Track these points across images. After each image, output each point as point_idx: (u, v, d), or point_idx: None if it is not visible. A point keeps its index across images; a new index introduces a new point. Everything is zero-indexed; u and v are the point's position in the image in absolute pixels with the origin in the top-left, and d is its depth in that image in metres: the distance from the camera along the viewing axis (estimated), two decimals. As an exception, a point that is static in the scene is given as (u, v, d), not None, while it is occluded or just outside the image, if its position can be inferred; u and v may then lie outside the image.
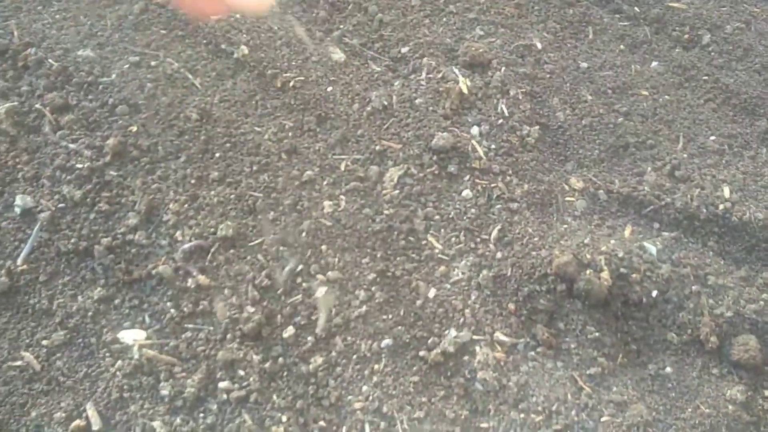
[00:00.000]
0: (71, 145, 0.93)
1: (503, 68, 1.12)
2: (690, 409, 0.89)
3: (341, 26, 1.16)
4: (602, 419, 0.86)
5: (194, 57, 1.06)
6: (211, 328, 0.83)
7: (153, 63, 1.03)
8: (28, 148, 0.92)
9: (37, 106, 0.95)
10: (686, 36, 1.24)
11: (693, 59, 1.22)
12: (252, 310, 0.85)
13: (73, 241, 0.87)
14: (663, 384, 0.91)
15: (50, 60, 0.99)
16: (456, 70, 1.11)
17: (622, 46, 1.22)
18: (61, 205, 0.89)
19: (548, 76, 1.14)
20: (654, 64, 1.20)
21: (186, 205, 0.92)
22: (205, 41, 1.08)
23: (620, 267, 0.94)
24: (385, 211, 0.96)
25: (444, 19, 1.19)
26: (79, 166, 0.92)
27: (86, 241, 0.88)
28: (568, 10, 1.25)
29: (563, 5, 1.25)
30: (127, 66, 1.01)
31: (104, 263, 0.87)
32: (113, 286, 0.86)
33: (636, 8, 1.27)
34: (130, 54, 1.02)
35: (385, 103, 1.07)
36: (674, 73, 1.20)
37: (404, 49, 1.14)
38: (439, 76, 1.10)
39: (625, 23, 1.25)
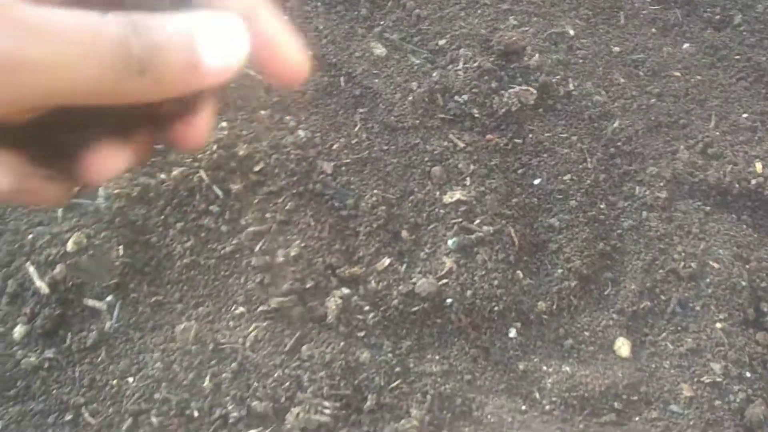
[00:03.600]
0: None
1: (537, 55, 1.17)
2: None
3: (381, 22, 1.23)
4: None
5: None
6: None
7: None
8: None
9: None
10: (717, 17, 1.27)
11: (725, 39, 1.24)
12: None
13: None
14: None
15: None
16: (490, 60, 1.16)
17: (653, 30, 1.25)
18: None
19: (581, 61, 1.19)
20: (686, 45, 1.24)
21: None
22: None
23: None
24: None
25: (479, 11, 1.25)
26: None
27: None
28: (600, -4, 1.29)
29: (595, -8, 1.29)
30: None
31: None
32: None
33: (667, -9, 1.30)
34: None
35: (425, 92, 1.13)
36: (706, 53, 1.23)
37: (441, 42, 1.20)
38: (475, 65, 1.16)
39: (656, 7, 1.29)
